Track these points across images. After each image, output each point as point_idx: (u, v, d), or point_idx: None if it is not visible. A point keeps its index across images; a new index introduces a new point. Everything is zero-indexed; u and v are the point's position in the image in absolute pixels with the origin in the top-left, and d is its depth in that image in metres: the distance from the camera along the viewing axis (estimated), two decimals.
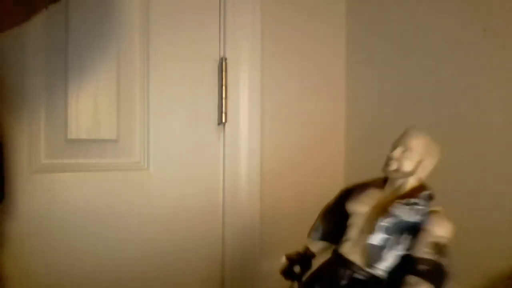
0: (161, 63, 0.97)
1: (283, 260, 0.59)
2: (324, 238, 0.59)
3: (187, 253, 1.01)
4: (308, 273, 0.57)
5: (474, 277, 0.80)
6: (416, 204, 0.49)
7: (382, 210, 0.50)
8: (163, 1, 0.98)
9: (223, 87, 1.02)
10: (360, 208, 0.53)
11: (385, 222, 0.48)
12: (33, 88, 0.86)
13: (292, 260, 0.57)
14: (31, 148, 0.86)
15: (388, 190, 0.54)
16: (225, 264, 1.05)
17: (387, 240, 0.49)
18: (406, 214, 0.48)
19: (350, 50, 1.20)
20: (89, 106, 0.91)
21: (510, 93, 0.80)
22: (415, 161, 0.52)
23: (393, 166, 0.53)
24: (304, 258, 0.59)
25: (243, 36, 1.05)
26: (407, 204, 0.49)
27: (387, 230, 0.48)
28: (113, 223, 0.93)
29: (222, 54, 1.04)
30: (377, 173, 1.16)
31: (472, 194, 0.85)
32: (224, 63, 1.03)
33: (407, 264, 0.48)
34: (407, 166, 0.52)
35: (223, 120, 1.03)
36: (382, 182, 0.57)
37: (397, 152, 0.52)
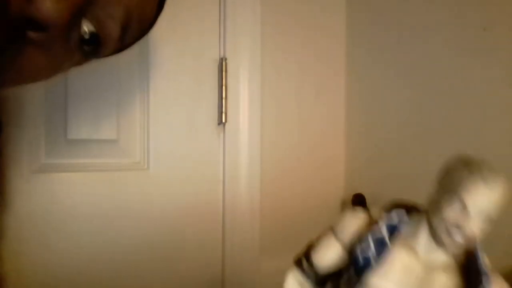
0: (160, 63, 0.97)
1: None
2: None
3: (187, 253, 1.00)
4: None
5: None
6: None
7: None
8: None
9: (223, 87, 1.02)
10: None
11: None
12: (33, 87, 0.86)
13: None
14: (31, 148, 0.86)
15: (421, 251, 0.38)
16: (225, 264, 1.05)
17: None
18: None
19: (351, 51, 1.20)
20: (89, 106, 0.91)
21: (510, 92, 0.80)
22: (488, 226, 0.37)
23: (459, 237, 0.35)
24: None
25: (243, 36, 1.05)
26: None
27: None
28: (113, 223, 0.93)
29: (222, 54, 1.04)
30: (377, 173, 1.15)
31: None
32: (224, 63, 1.03)
33: None
34: (479, 237, 0.36)
35: (223, 120, 1.03)
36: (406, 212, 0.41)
37: (472, 224, 0.34)
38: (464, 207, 0.34)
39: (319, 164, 1.17)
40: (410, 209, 0.41)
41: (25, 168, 0.85)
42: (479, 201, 0.34)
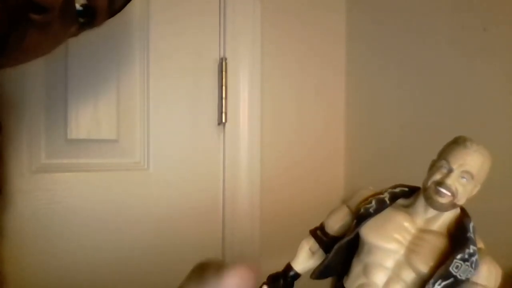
0: (161, 63, 0.97)
1: None
2: (329, 275, 0.49)
3: (187, 253, 1.00)
4: None
5: None
6: (472, 254, 0.39)
7: (431, 262, 0.40)
8: (163, 1, 0.98)
9: (223, 87, 1.02)
10: (387, 244, 0.42)
11: (438, 285, 0.39)
12: (33, 88, 0.86)
13: (276, 286, 0.50)
14: (31, 148, 0.86)
15: (419, 218, 0.43)
16: None
17: None
18: (463, 272, 0.39)
19: (350, 51, 1.20)
20: (89, 106, 0.91)
21: (510, 92, 0.80)
22: (471, 189, 0.41)
23: (446, 197, 0.40)
24: (287, 281, 0.52)
25: (243, 36, 1.05)
26: (466, 260, 0.39)
27: None
28: (113, 223, 0.93)
29: (222, 54, 1.04)
30: (377, 173, 1.16)
31: None
32: (224, 63, 1.03)
33: None
34: (463, 198, 0.41)
35: (223, 120, 1.03)
36: (406, 193, 0.46)
37: (453, 179, 0.40)
38: (449, 168, 0.41)
39: (319, 164, 1.17)
40: (412, 189, 0.46)
41: (25, 168, 0.85)
42: (460, 161, 0.40)
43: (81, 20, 0.48)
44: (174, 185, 0.99)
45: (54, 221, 0.88)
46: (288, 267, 0.52)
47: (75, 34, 0.52)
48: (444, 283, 0.39)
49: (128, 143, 0.96)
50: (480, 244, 0.43)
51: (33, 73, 0.85)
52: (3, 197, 0.81)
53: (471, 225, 0.42)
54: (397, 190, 0.46)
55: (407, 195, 0.46)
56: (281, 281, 0.51)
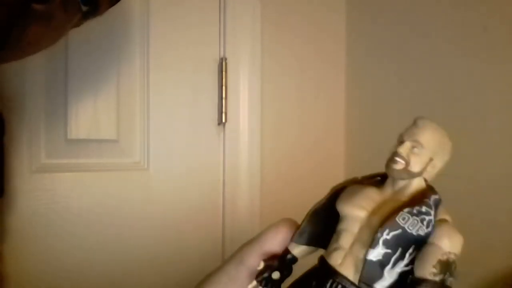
0: (161, 62, 0.98)
1: (261, 265, 0.51)
2: (309, 242, 0.53)
3: (187, 253, 1.01)
4: (289, 281, 0.51)
5: (473, 277, 0.80)
6: (424, 213, 0.39)
7: (383, 218, 0.45)
8: (162, 0, 0.98)
9: (223, 87, 1.02)
10: (354, 211, 0.42)
11: (387, 235, 0.39)
12: (33, 87, 0.86)
13: (271, 266, 0.50)
14: (31, 148, 0.86)
15: (388, 191, 0.43)
16: None
17: (387, 255, 0.43)
18: (412, 225, 0.39)
19: (351, 50, 1.20)
20: (89, 106, 0.91)
21: (510, 92, 0.80)
22: (425, 160, 0.42)
23: (399, 164, 0.42)
24: (284, 263, 0.52)
25: (243, 36, 1.05)
26: (415, 214, 0.39)
27: (389, 244, 0.39)
28: (113, 223, 0.93)
29: (222, 54, 1.04)
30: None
31: (471, 193, 0.85)
32: (224, 63, 1.03)
33: (408, 284, 0.43)
34: (416, 165, 0.41)
35: (223, 120, 1.03)
36: (378, 181, 0.53)
37: (405, 148, 0.42)
38: (402, 140, 0.42)
39: (319, 164, 1.17)
40: (385, 175, 0.51)
41: (25, 168, 0.86)
42: (410, 134, 0.42)
43: (84, 8, 0.47)
44: (174, 185, 0.99)
45: (54, 221, 0.88)
46: (286, 250, 0.53)
47: (78, 25, 0.51)
48: (392, 233, 0.38)
49: (128, 143, 0.96)
50: (446, 217, 0.45)
51: (33, 73, 0.85)
52: (4, 197, 0.81)
53: (433, 197, 0.45)
54: (371, 174, 0.51)
55: (381, 178, 0.51)
56: (277, 263, 0.51)
